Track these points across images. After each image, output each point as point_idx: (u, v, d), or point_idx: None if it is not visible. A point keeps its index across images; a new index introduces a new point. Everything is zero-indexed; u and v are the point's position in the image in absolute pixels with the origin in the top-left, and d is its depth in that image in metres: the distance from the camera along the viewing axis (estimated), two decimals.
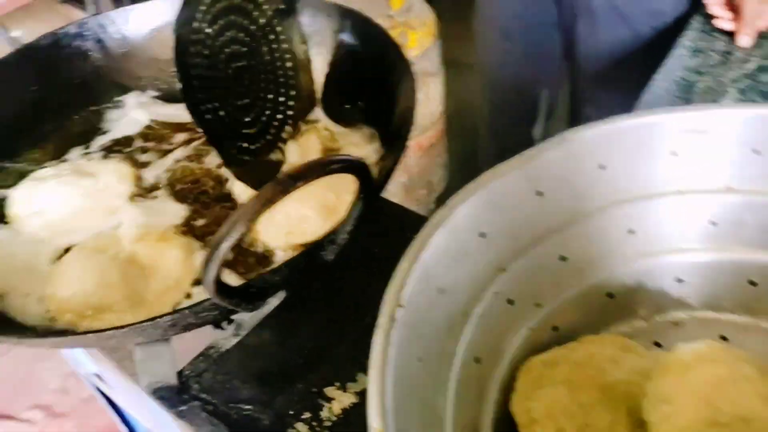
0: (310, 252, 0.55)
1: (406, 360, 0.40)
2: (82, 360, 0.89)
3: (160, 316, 0.51)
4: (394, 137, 0.72)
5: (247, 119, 0.74)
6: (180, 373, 0.67)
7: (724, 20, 1.00)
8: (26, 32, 1.88)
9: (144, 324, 0.51)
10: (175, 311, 0.52)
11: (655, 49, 1.10)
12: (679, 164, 0.53)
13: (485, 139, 1.51)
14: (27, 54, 0.82)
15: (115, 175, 0.78)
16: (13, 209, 0.74)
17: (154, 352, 0.65)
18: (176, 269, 0.68)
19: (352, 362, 0.67)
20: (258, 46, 0.77)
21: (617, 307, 0.55)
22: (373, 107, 0.78)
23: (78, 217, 0.73)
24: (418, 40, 1.50)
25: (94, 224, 0.73)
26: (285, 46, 0.80)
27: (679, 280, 0.56)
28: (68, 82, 0.84)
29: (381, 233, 0.80)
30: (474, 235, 0.48)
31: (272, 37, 0.79)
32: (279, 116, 0.78)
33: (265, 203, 0.42)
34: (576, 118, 1.36)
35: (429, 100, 1.63)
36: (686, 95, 0.94)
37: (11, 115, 0.80)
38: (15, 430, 1.56)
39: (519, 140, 1.45)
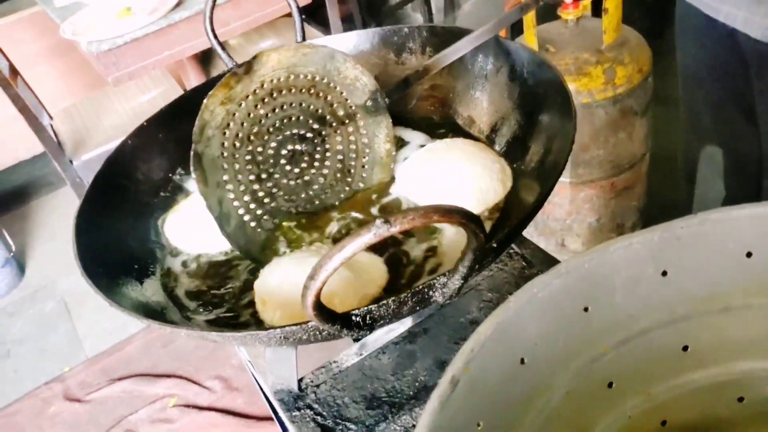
0: (420, 292, 0.56)
1: (463, 425, 0.39)
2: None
3: (273, 328, 0.55)
4: (541, 181, 0.69)
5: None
6: (301, 381, 0.72)
7: None
8: (272, 42, 2.13)
9: (256, 333, 0.55)
10: (286, 325, 0.55)
11: None
12: None
13: (683, 192, 1.38)
14: None
15: None
16: None
17: (281, 355, 0.70)
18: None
19: None
20: (329, 133, 0.79)
21: (749, 413, 0.48)
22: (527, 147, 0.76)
23: None
24: (626, 77, 1.42)
25: None
26: (365, 140, 0.81)
27: None
28: None
29: (520, 280, 0.78)
30: (577, 309, 0.45)
31: (350, 128, 0.80)
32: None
33: (363, 243, 0.44)
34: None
35: (631, 140, 1.53)
36: None
37: None
38: (197, 392, 1.77)
39: (713, 196, 1.30)
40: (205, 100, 0.72)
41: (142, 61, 1.61)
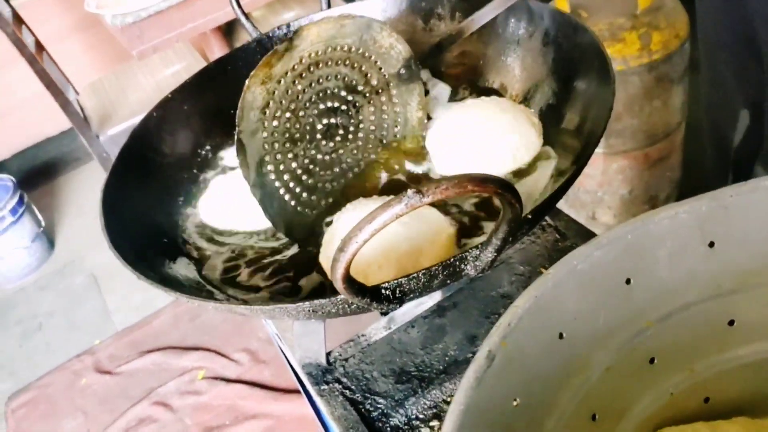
0: (452, 264, 0.54)
1: (499, 402, 0.37)
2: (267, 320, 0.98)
3: (298, 302, 0.54)
4: (576, 150, 0.67)
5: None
6: (329, 354, 0.71)
7: None
8: (296, 13, 2.10)
9: (285, 306, 0.54)
10: (314, 299, 0.54)
11: None
12: None
13: (711, 161, 1.33)
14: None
15: None
16: None
17: (309, 329, 0.69)
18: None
19: None
20: (362, 104, 0.77)
21: None
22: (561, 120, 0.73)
23: None
24: (662, 43, 1.37)
25: None
26: (397, 109, 0.79)
27: None
28: None
29: (552, 252, 0.76)
30: (618, 281, 0.43)
31: (384, 98, 0.78)
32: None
33: (394, 214, 0.42)
34: None
35: (667, 109, 1.48)
36: None
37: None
38: (225, 365, 1.79)
39: (745, 164, 1.25)
40: (247, 81, 0.70)
41: (166, 34, 1.60)
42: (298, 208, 0.74)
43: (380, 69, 0.78)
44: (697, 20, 1.15)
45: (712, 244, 0.44)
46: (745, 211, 0.43)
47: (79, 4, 1.77)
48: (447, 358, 0.68)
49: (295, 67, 0.73)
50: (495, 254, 0.54)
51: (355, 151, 0.79)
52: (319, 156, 0.76)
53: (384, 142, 0.80)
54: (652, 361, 0.45)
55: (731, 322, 0.46)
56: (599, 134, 0.62)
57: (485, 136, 0.73)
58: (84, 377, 1.89)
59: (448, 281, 0.56)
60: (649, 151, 1.52)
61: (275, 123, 0.73)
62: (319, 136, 0.76)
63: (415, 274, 0.54)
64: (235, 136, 0.70)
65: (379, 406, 0.66)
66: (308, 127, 0.75)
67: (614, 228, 0.43)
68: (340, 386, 0.68)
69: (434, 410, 0.65)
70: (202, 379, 1.79)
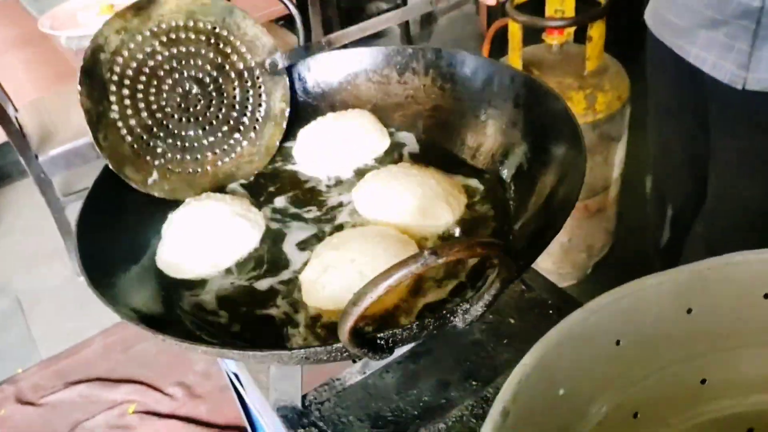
0: (443, 317, 0.57)
1: None
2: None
3: (294, 349, 0.55)
4: (549, 219, 0.71)
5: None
6: (304, 398, 0.72)
7: None
8: None
9: (279, 353, 0.55)
10: (307, 346, 0.55)
11: None
12: None
13: (652, 217, 1.43)
14: None
15: None
16: None
17: (286, 372, 0.70)
18: None
19: (465, 427, 0.67)
20: (225, 83, 0.85)
21: None
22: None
23: None
24: (606, 103, 1.47)
25: None
26: (262, 95, 0.87)
27: None
28: None
29: (519, 304, 0.80)
30: (609, 342, 0.47)
31: (248, 83, 0.86)
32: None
33: (407, 274, 0.45)
34: None
35: (606, 164, 1.58)
36: None
37: None
38: (158, 399, 1.73)
39: (683, 222, 1.35)
40: (99, 26, 0.76)
41: None
42: (136, 147, 0.79)
43: (246, 55, 0.86)
44: (648, 86, 1.24)
45: (689, 311, 0.49)
46: (719, 283, 0.48)
47: (23, 19, 1.72)
48: (421, 404, 0.70)
49: (154, 29, 0.79)
50: (485, 309, 0.57)
51: (214, 123, 0.85)
52: (175, 117, 0.82)
53: (244, 124, 0.86)
54: (635, 415, 0.49)
55: (703, 381, 0.50)
56: (574, 200, 0.67)
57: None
58: (3, 408, 1.78)
59: (436, 332, 0.58)
60: (588, 203, 1.61)
61: (129, 72, 0.78)
62: (177, 99, 0.82)
63: (409, 326, 0.56)
64: (79, 69, 0.75)
65: None
66: (166, 87, 0.81)
67: (606, 294, 0.47)
68: (317, 430, 0.69)
69: None
70: (132, 413, 1.72)
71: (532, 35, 1.56)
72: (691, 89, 1.09)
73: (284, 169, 0.89)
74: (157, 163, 0.80)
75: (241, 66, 0.86)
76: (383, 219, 0.75)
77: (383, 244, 0.68)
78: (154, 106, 0.80)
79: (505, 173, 0.80)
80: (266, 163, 0.89)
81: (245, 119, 0.87)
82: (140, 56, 0.79)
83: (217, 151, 0.85)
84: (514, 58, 1.48)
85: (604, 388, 0.47)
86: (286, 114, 0.89)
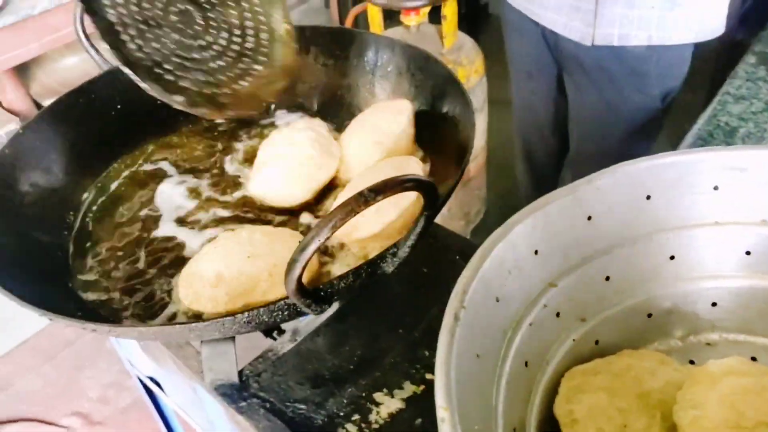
0: (374, 262, 0.61)
1: (466, 355, 0.45)
2: (138, 362, 0.95)
3: (236, 314, 0.56)
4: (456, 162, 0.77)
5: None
6: (240, 373, 0.72)
7: None
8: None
9: (222, 320, 0.56)
10: (251, 309, 0.57)
11: (639, 117, 1.12)
12: (719, 198, 0.58)
13: (521, 173, 1.56)
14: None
15: None
16: None
17: (219, 350, 0.70)
18: None
19: (400, 371, 0.72)
20: (222, 7, 0.81)
21: (655, 327, 0.60)
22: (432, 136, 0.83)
23: None
24: (466, 77, 1.57)
25: None
26: (261, 18, 0.84)
27: (714, 305, 0.60)
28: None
29: (429, 254, 0.85)
30: (529, 252, 0.53)
31: (245, 5, 0.83)
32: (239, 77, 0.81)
33: (348, 213, 0.48)
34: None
35: None
36: (728, 139, 0.98)
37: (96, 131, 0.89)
38: None
39: (551, 173, 1.49)
40: None
41: None
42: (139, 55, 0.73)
43: None
44: (507, 52, 1.35)
45: (589, 218, 0.56)
46: (610, 190, 0.56)
47: None
48: (356, 358, 0.74)
49: None
50: (409, 249, 0.62)
51: (219, 48, 0.80)
52: (174, 35, 0.77)
53: (250, 52, 0.82)
54: (558, 315, 0.55)
55: (607, 278, 0.58)
56: (471, 145, 0.74)
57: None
58: None
59: (369, 280, 0.62)
60: None
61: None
62: (173, 17, 0.77)
63: (344, 274, 0.59)
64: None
65: (300, 411, 0.69)
66: (160, 5, 0.76)
67: (523, 210, 0.53)
68: (259, 400, 0.70)
69: (353, 406, 0.70)
70: None
71: (389, 18, 1.63)
72: (546, 51, 1.21)
73: None
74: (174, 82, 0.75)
75: None
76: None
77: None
78: (152, 23, 0.75)
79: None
80: (287, 82, 0.85)
81: (249, 44, 0.82)
82: None
83: (230, 74, 0.80)
84: None
85: (530, 294, 0.53)
86: (293, 34, 0.85)
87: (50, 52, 1.87)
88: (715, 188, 0.58)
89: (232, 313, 0.57)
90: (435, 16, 1.59)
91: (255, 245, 0.71)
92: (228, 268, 0.69)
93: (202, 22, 0.80)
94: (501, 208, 1.88)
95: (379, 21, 1.52)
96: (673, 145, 1.12)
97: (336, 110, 0.94)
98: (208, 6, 0.81)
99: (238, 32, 0.83)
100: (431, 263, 0.84)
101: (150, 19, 0.75)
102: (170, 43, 0.77)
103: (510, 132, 1.65)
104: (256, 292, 0.67)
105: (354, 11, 1.67)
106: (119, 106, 0.92)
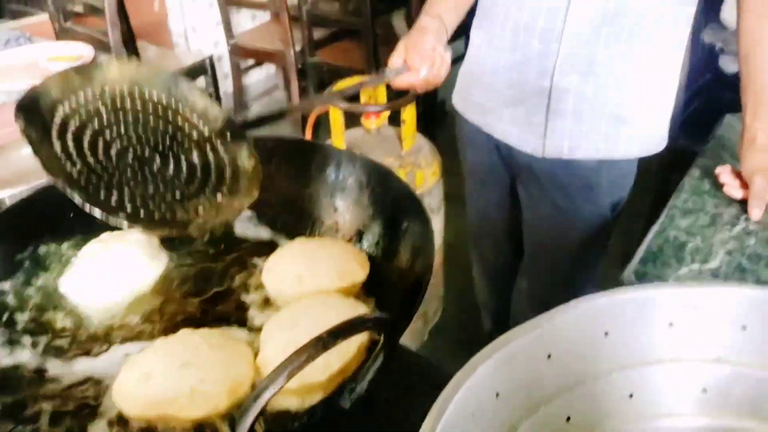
0: (329, 400, 0.59)
1: None
2: None
3: None
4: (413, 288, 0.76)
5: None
6: None
7: (733, 188, 1.05)
8: None
9: None
10: None
11: (590, 226, 1.16)
12: (674, 335, 0.58)
13: (478, 276, 1.57)
14: None
15: None
16: None
17: None
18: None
19: None
20: (183, 151, 0.77)
21: None
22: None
23: None
24: (424, 179, 1.60)
25: None
26: (225, 156, 0.81)
27: None
28: None
29: (396, 381, 0.83)
30: (491, 394, 0.52)
31: (208, 147, 0.80)
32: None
33: (306, 359, 0.46)
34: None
35: None
36: (678, 253, 1.01)
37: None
38: None
39: (506, 278, 1.50)
40: (42, 80, 0.71)
41: None
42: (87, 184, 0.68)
43: (201, 126, 0.80)
44: (462, 161, 1.39)
45: (549, 356, 0.56)
46: (570, 327, 0.56)
47: None
48: None
49: (97, 93, 0.74)
50: (369, 384, 0.60)
51: (175, 188, 0.75)
52: (131, 172, 0.72)
53: (211, 186, 0.77)
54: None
55: (568, 419, 0.57)
56: (431, 267, 0.74)
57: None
58: None
59: (326, 414, 0.60)
60: None
61: (74, 124, 0.70)
62: (131, 158, 0.73)
63: (302, 412, 0.57)
64: (15, 106, 0.68)
65: None
66: (118, 146, 0.73)
67: (484, 350, 0.52)
68: None
69: None
70: None
71: (349, 119, 1.67)
72: (500, 161, 1.24)
73: None
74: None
75: (196, 136, 0.79)
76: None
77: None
78: (105, 163, 0.71)
79: (367, 249, 0.85)
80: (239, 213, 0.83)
81: (211, 180, 0.78)
82: (84, 114, 0.71)
83: (189, 206, 0.74)
84: (338, 141, 1.57)
85: None
86: (259, 169, 0.81)
87: (5, 144, 1.84)
88: (671, 324, 0.59)
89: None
90: (395, 119, 1.64)
91: (193, 351, 0.68)
92: (158, 371, 0.65)
93: (160, 163, 0.77)
94: (459, 307, 1.88)
95: (341, 123, 1.55)
96: (624, 254, 1.14)
97: (295, 220, 0.94)
98: (170, 151, 0.78)
99: (199, 171, 0.79)
100: (398, 392, 0.82)
101: (101, 165, 0.71)
102: (113, 170, 0.72)
103: (466, 227, 1.68)
104: (174, 405, 0.64)
105: (316, 111, 1.71)
106: None
